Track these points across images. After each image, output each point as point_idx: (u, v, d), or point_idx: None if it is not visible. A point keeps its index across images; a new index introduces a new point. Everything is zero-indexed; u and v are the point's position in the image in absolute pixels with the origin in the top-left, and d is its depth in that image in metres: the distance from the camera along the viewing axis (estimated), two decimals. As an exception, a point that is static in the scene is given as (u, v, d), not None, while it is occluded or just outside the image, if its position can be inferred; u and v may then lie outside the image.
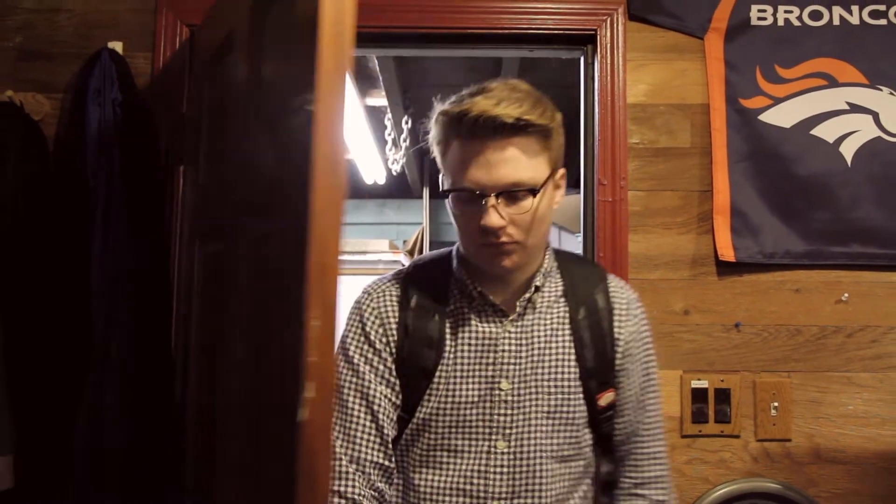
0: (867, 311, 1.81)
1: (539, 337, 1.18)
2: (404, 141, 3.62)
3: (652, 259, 1.82)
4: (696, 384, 1.79)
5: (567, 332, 1.19)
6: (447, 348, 1.15)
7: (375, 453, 1.13)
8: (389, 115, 3.50)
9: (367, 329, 1.17)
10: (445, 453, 1.14)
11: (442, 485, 1.13)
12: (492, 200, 1.07)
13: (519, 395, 1.15)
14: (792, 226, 1.83)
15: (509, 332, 1.17)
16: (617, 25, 1.86)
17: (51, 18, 1.88)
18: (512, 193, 1.08)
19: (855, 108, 1.85)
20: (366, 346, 1.16)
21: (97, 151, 1.72)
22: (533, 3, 1.87)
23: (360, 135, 3.67)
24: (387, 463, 1.14)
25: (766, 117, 1.86)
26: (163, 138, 1.82)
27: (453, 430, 1.14)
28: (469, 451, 1.13)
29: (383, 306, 1.18)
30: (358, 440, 1.12)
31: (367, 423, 1.13)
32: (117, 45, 1.84)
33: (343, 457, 1.11)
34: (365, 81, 3.25)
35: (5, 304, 1.63)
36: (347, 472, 1.11)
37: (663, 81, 1.87)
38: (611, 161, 1.82)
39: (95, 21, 1.89)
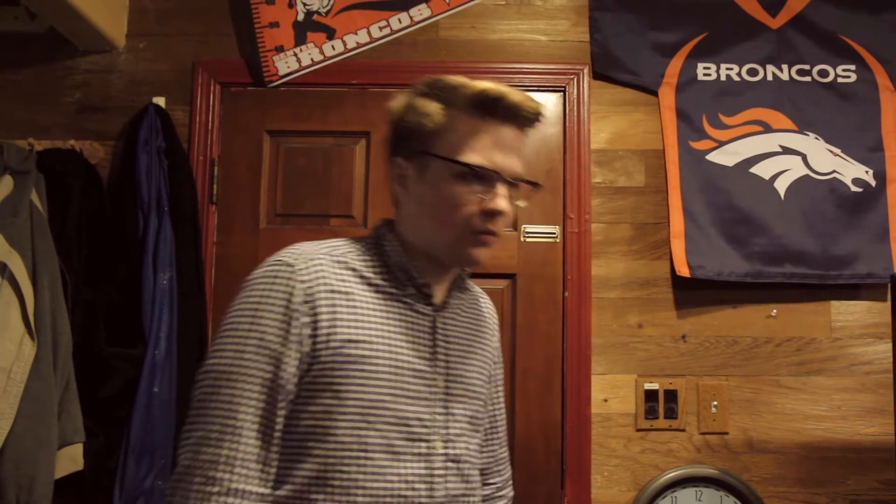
0: (792, 325, 2.13)
1: (464, 335, 1.13)
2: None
3: (611, 280, 2.15)
4: (648, 386, 2.12)
5: (479, 333, 1.17)
6: (380, 337, 1.01)
7: (261, 486, 0.94)
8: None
9: (292, 310, 0.96)
10: (384, 455, 0.98)
11: (382, 492, 0.97)
12: (503, 187, 1.03)
13: (451, 393, 1.06)
14: (735, 249, 2.14)
15: (442, 325, 1.09)
16: (583, 83, 2.18)
17: (105, 77, 2.22)
18: (514, 185, 1.05)
19: (787, 151, 2.17)
20: (283, 334, 0.96)
21: (147, 191, 2.06)
22: (514, 65, 2.21)
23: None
24: (266, 491, 0.95)
25: (712, 157, 2.18)
26: (197, 179, 2.15)
27: (393, 427, 0.99)
28: (409, 453, 1.00)
29: (318, 283, 0.99)
30: (245, 467, 0.93)
31: (260, 445, 0.94)
32: (160, 100, 2.17)
33: (222, 486, 0.91)
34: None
35: (75, 315, 1.97)
36: None
37: (622, 130, 2.19)
38: (577, 198, 2.15)
39: (142, 79, 2.22)
